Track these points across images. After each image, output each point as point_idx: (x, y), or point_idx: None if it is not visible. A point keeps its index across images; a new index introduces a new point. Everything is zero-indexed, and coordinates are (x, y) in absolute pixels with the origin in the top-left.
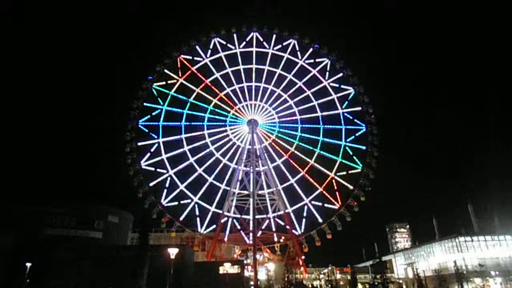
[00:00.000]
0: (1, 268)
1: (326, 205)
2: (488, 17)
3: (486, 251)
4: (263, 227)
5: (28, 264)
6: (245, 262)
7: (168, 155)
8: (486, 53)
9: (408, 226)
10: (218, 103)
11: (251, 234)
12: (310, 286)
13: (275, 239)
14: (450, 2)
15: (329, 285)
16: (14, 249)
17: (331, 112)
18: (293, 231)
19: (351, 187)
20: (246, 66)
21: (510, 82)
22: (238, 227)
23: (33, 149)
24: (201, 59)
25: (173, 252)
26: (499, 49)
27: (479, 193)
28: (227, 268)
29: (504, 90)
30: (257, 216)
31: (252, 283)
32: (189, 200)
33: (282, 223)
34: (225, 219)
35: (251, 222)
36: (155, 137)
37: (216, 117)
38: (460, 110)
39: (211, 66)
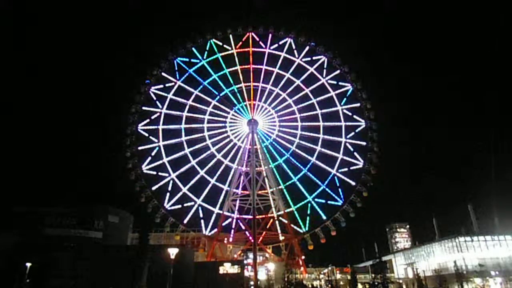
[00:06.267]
0: (1, 268)
1: (329, 202)
2: (488, 17)
3: (486, 251)
4: (267, 227)
5: (28, 264)
6: (245, 262)
7: (169, 158)
8: (486, 53)
9: (408, 226)
10: (217, 104)
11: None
12: (310, 286)
13: (280, 238)
14: (450, 2)
15: (329, 285)
16: (14, 249)
17: (330, 109)
18: (297, 229)
19: (353, 183)
20: (243, 66)
21: (510, 82)
22: (243, 227)
23: (34, 150)
24: (198, 60)
25: (173, 252)
26: (499, 48)
27: (479, 193)
28: (227, 268)
29: (504, 90)
30: (258, 216)
31: (252, 283)
32: (192, 203)
33: (286, 222)
34: (229, 219)
35: (254, 222)
36: (155, 140)
37: (216, 118)
38: (460, 109)
39: (208, 68)
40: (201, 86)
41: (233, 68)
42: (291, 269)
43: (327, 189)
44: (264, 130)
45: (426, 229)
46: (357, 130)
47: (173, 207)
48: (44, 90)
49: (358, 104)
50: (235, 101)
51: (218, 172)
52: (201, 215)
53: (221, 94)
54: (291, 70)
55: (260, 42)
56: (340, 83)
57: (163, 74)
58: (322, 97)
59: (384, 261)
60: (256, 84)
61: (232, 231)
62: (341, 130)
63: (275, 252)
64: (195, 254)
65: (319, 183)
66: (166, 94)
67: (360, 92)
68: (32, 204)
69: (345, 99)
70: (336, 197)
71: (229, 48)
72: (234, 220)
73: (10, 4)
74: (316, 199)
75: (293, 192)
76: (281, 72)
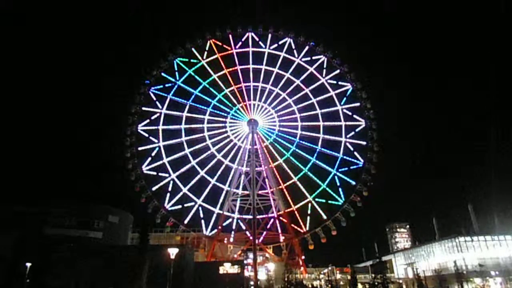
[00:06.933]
0: (1, 268)
1: (329, 201)
2: (487, 17)
3: (486, 251)
4: (268, 227)
5: (28, 264)
6: (245, 262)
7: (170, 158)
8: (486, 53)
9: (408, 226)
10: (217, 104)
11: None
12: (310, 286)
13: (281, 238)
14: (450, 3)
15: (329, 285)
16: (14, 249)
17: (330, 109)
18: (298, 229)
19: (353, 183)
20: (243, 66)
21: (510, 82)
22: (243, 227)
23: (34, 150)
24: (197, 61)
25: (173, 252)
26: (499, 48)
27: (479, 193)
28: (227, 268)
29: (504, 91)
30: (258, 216)
31: (252, 283)
32: (192, 203)
33: (286, 222)
34: (229, 220)
35: (254, 222)
36: (155, 141)
37: (216, 118)
38: (460, 109)
39: (208, 68)
40: (201, 87)
41: (233, 68)
42: (291, 269)
43: (327, 189)
44: (264, 130)
45: (426, 229)
46: (357, 130)
47: (173, 208)
48: (43, 90)
49: (358, 104)
50: (235, 101)
51: (219, 172)
52: (201, 215)
53: (220, 95)
54: (290, 70)
55: (260, 42)
56: (340, 83)
57: (163, 74)
58: (322, 97)
59: (384, 261)
60: (256, 84)
61: (233, 231)
62: (341, 129)
63: (276, 252)
64: (195, 254)
65: (320, 182)
66: (166, 95)
67: (360, 91)
68: (32, 204)
69: (345, 98)
70: (336, 196)
71: (229, 48)
72: (235, 220)
73: (10, 4)
74: (316, 199)
75: (293, 192)
76: (280, 72)
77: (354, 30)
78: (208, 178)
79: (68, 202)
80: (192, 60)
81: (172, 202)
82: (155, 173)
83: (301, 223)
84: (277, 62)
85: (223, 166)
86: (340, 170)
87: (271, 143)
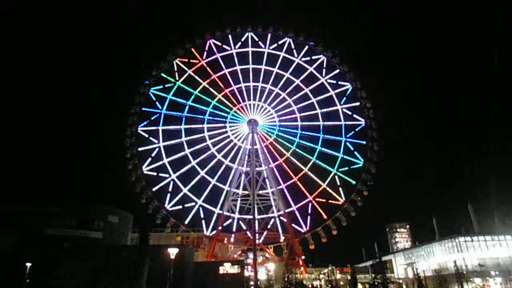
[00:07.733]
0: (1, 268)
1: (330, 201)
2: (488, 17)
3: (486, 251)
4: (268, 227)
5: (28, 264)
6: (245, 262)
7: (170, 159)
8: (486, 53)
9: (408, 226)
10: (217, 104)
11: (257, 234)
12: (310, 286)
13: (281, 238)
14: (450, 4)
15: (329, 285)
16: (14, 249)
17: (330, 109)
18: (299, 228)
19: (353, 182)
20: (243, 67)
21: (510, 82)
22: (244, 227)
23: (34, 150)
24: (197, 61)
25: (173, 252)
26: (499, 48)
27: (479, 193)
28: (227, 268)
29: (504, 91)
30: (258, 216)
31: (252, 283)
32: (193, 203)
33: (286, 222)
34: (230, 220)
35: (254, 222)
36: (155, 141)
37: (216, 118)
38: (460, 109)
39: (207, 68)
40: (201, 87)
41: (233, 68)
42: (291, 269)
43: (327, 188)
44: (266, 127)
45: (426, 229)
46: (357, 129)
47: (174, 208)
48: (44, 90)
49: (358, 103)
50: (235, 101)
51: (219, 173)
52: (201, 216)
53: (221, 94)
54: (290, 70)
55: (259, 42)
56: (339, 82)
57: (163, 74)
58: (322, 96)
59: (384, 261)
60: (255, 84)
61: (233, 232)
62: (341, 129)
63: (276, 252)
64: (195, 254)
65: (320, 182)
66: (165, 95)
67: (359, 91)
68: (32, 204)
69: (344, 98)
70: (337, 196)
71: (228, 48)
72: (235, 220)
73: (10, 4)
74: (317, 199)
75: (294, 191)
76: (280, 71)
77: (355, 30)
78: (209, 178)
79: (68, 202)
80: (191, 61)
81: (173, 202)
82: (155, 173)
83: (302, 223)
84: (277, 62)
85: (223, 166)
86: (340, 169)
87: (271, 142)
